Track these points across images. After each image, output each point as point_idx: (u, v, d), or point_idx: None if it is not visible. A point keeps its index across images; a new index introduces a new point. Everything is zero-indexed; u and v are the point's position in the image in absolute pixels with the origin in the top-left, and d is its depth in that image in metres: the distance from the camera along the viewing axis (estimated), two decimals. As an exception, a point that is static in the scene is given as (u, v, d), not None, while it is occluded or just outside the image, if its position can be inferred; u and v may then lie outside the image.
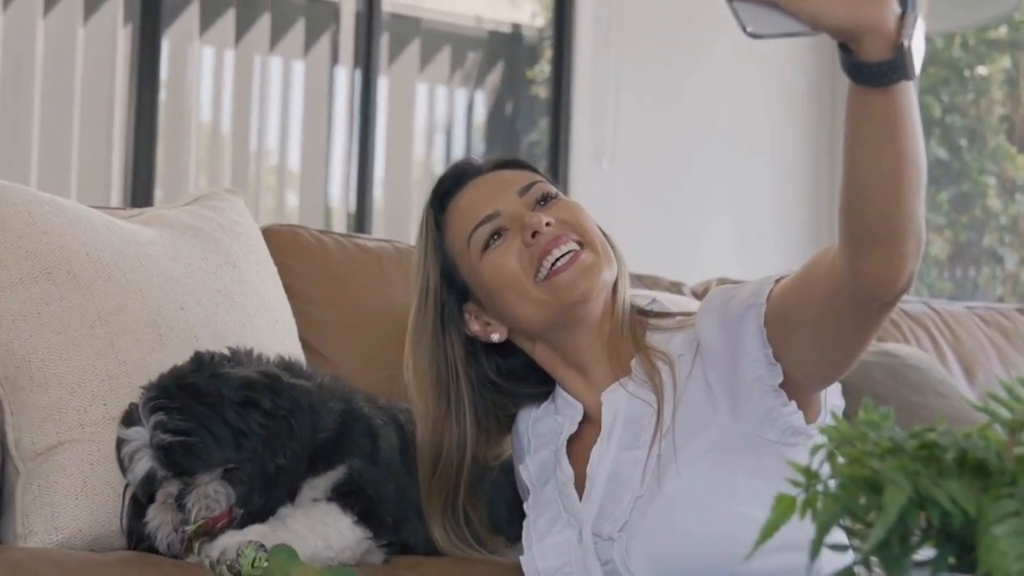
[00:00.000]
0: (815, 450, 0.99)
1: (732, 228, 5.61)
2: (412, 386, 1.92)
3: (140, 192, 4.88)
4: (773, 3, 1.37)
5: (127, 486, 1.86)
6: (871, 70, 1.41)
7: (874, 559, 0.94)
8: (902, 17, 1.40)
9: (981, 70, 6.50)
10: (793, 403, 1.72)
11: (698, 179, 5.55)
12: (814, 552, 0.93)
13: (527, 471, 1.92)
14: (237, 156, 5.66)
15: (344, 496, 1.88)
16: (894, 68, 1.41)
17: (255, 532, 1.78)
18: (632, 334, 1.87)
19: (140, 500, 1.85)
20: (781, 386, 1.70)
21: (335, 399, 1.94)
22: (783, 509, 0.98)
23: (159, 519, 1.82)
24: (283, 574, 1.64)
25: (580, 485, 1.85)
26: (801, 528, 0.98)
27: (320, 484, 1.89)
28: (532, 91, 6.13)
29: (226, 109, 5.64)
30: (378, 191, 5.59)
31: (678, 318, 1.90)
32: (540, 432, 1.93)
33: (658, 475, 1.75)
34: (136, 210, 2.29)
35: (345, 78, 5.61)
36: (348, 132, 5.48)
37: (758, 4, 1.37)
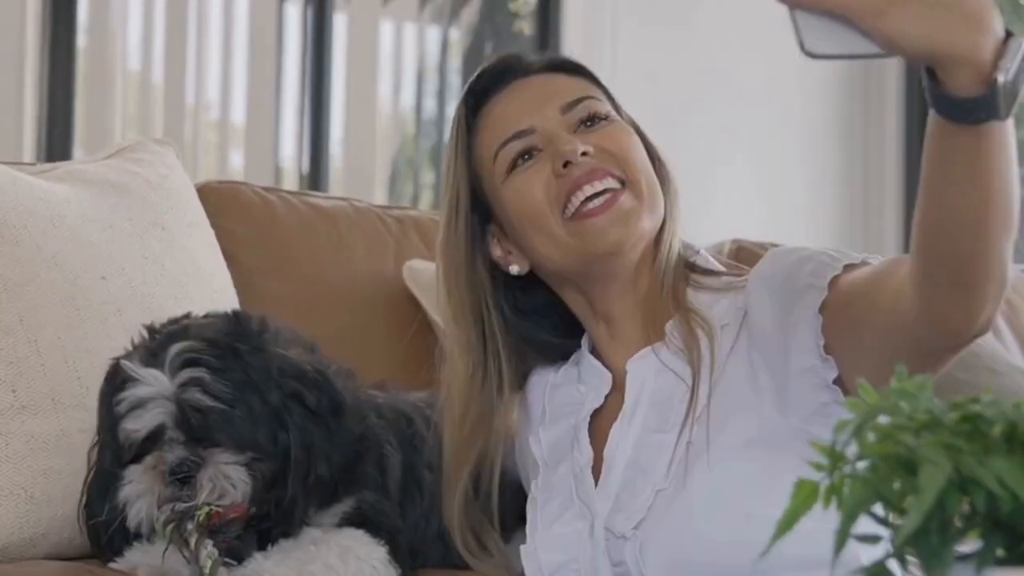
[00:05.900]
0: (840, 427, 0.98)
1: (750, 181, 5.59)
2: (446, 314, 1.91)
3: (56, 154, 4.86)
4: (843, 17, 1.31)
5: (92, 473, 1.84)
6: (957, 105, 1.34)
7: (910, 552, 0.94)
8: (1005, 42, 1.32)
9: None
10: None
11: (710, 122, 5.52)
12: (839, 545, 0.93)
13: (539, 444, 1.91)
14: (171, 109, 5.63)
15: (364, 524, 1.86)
16: (984, 106, 1.33)
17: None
18: (673, 291, 1.85)
19: (111, 471, 1.81)
20: (835, 382, 1.68)
21: (355, 416, 1.90)
22: (804, 497, 0.98)
23: (142, 486, 1.77)
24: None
25: (598, 469, 1.83)
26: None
27: (325, 519, 1.87)
28: (515, 27, 6.11)
29: (157, 55, 5.61)
30: (336, 149, 5.58)
31: (725, 278, 1.87)
32: (558, 403, 1.92)
33: (686, 467, 1.73)
34: (49, 165, 2.29)
35: (296, 15, 5.59)
36: (300, 79, 5.47)
37: (824, 17, 1.32)
